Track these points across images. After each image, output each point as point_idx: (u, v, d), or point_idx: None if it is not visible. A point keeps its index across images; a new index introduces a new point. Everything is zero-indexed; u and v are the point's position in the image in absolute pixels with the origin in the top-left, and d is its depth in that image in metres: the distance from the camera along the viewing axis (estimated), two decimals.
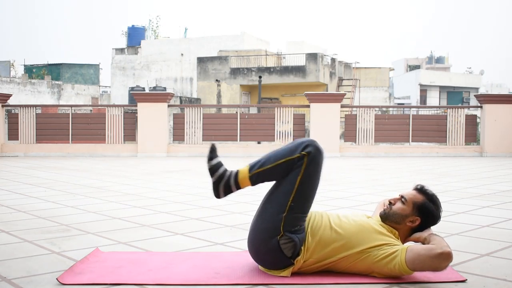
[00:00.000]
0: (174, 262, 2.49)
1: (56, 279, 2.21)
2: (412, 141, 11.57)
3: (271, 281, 2.21)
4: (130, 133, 11.68)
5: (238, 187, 2.35)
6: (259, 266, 2.36)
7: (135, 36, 35.55)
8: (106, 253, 2.67)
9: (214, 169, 2.36)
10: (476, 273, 2.32)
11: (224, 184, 2.35)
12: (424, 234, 2.32)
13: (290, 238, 2.24)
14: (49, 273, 2.34)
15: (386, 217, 2.38)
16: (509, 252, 2.72)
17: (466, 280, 2.21)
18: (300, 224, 2.27)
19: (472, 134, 11.73)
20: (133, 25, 36.71)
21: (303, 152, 2.27)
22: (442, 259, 2.11)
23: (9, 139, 11.82)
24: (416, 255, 2.16)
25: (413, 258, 2.16)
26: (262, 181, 2.36)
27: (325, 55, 27.51)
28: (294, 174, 2.28)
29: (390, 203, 2.41)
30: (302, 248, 2.27)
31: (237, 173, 2.35)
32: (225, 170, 2.37)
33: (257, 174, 2.32)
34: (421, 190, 2.40)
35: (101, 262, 2.47)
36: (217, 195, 2.39)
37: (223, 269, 2.36)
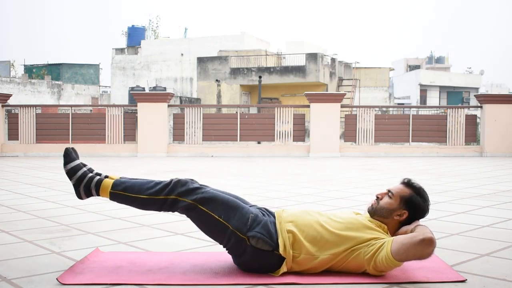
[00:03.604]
0: (174, 262, 2.49)
1: (56, 279, 2.21)
2: (412, 141, 11.57)
3: (271, 281, 2.21)
4: (130, 133, 11.68)
5: (98, 194, 2.45)
6: None
7: (135, 36, 35.54)
8: (106, 253, 2.67)
9: (71, 172, 2.47)
10: (476, 273, 2.32)
11: (84, 187, 2.45)
12: (410, 226, 2.33)
13: (253, 236, 2.25)
14: (49, 273, 2.34)
15: (374, 212, 2.39)
16: (509, 252, 2.72)
17: (466, 280, 2.21)
18: (247, 217, 2.29)
19: (472, 134, 11.73)
20: (133, 25, 36.69)
21: (172, 197, 2.33)
22: (425, 245, 2.10)
23: (9, 139, 11.82)
24: (400, 244, 2.16)
25: (397, 248, 2.16)
26: (120, 202, 2.45)
27: (325, 55, 27.53)
28: (193, 210, 2.33)
29: (377, 198, 2.41)
30: (280, 238, 2.26)
31: (100, 181, 2.43)
32: (86, 173, 2.46)
33: (116, 194, 2.42)
34: (408, 183, 2.41)
35: (101, 262, 2.47)
36: (79, 197, 2.48)
37: (223, 269, 2.36)
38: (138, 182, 2.43)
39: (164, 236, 3.17)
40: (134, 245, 2.91)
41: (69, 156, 2.49)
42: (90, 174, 2.46)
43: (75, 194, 2.49)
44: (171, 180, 2.37)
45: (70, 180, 2.48)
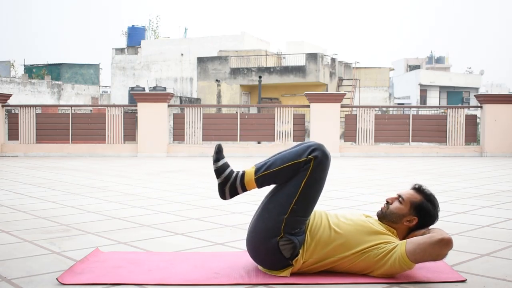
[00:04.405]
0: (174, 262, 2.49)
1: (56, 279, 2.21)
2: (412, 141, 11.57)
3: (271, 281, 2.21)
4: (130, 133, 11.67)
5: (244, 189, 2.34)
6: (259, 266, 2.36)
7: (135, 36, 35.53)
8: (106, 253, 2.67)
9: (220, 170, 2.35)
10: (476, 273, 2.32)
11: (230, 186, 2.34)
12: (421, 231, 2.32)
13: (289, 239, 2.23)
14: (49, 273, 2.34)
15: (384, 217, 2.38)
16: (509, 252, 2.72)
17: (466, 280, 2.21)
18: (300, 227, 2.27)
19: (472, 134, 11.72)
20: (133, 25, 36.69)
21: (310, 156, 2.26)
22: (443, 245, 2.11)
23: (9, 139, 11.82)
24: (416, 245, 2.16)
25: (413, 249, 2.16)
26: (268, 184, 2.35)
27: (325, 55, 27.52)
28: (299, 177, 2.26)
29: (387, 202, 2.41)
30: (301, 250, 2.26)
31: (243, 174, 2.33)
32: (232, 172, 2.35)
33: (263, 177, 2.31)
34: (418, 189, 2.40)
35: (101, 262, 2.47)
36: (223, 197, 2.38)
37: (223, 269, 2.36)
38: (277, 155, 2.36)
39: (164, 236, 3.17)
40: (134, 245, 2.91)
41: (221, 153, 2.39)
42: (235, 173, 2.36)
43: (219, 195, 2.38)
44: (313, 143, 2.30)
45: (217, 178, 2.36)
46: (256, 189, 2.36)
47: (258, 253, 2.31)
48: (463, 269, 2.37)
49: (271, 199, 2.32)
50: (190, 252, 2.74)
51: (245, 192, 2.37)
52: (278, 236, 2.24)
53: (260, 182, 2.32)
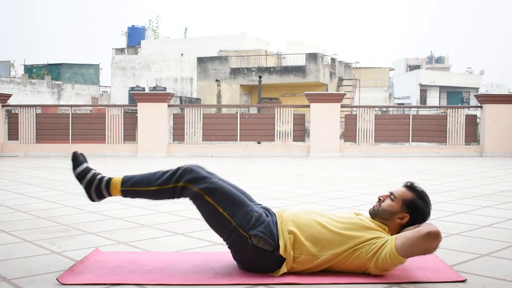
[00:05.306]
0: (174, 262, 2.49)
1: (56, 279, 2.21)
2: (412, 141, 11.56)
3: (271, 281, 2.21)
4: (130, 133, 11.67)
5: (110, 194, 2.45)
6: None
7: (135, 36, 35.55)
8: (106, 253, 2.67)
9: (81, 175, 2.47)
10: (476, 273, 2.32)
11: (95, 188, 2.45)
12: (411, 227, 2.32)
13: (255, 235, 2.24)
14: (49, 273, 2.34)
15: (375, 214, 2.39)
16: (509, 252, 2.72)
17: (466, 280, 2.21)
18: (251, 216, 2.28)
19: (472, 134, 11.72)
20: (133, 25, 36.70)
21: (180, 184, 2.32)
22: (431, 238, 2.10)
23: (9, 139, 11.81)
24: (405, 239, 2.16)
25: (402, 243, 2.16)
26: (133, 197, 2.46)
27: (325, 55, 27.54)
28: (199, 199, 2.31)
29: (379, 199, 2.42)
30: (283, 239, 2.26)
31: (109, 181, 2.44)
32: (95, 175, 2.47)
33: (127, 191, 2.43)
34: (410, 187, 2.40)
35: (101, 262, 2.47)
36: (91, 199, 2.48)
37: (223, 269, 2.36)
38: (146, 175, 2.43)
39: (164, 236, 3.17)
40: (134, 245, 2.91)
41: (77, 160, 2.50)
42: (99, 176, 2.46)
43: (87, 198, 2.48)
44: (179, 168, 2.36)
45: (81, 183, 2.47)
46: (121, 197, 2.46)
47: (249, 263, 2.31)
48: (463, 269, 2.37)
49: (213, 228, 2.37)
50: (190, 252, 2.74)
51: (111, 197, 2.47)
52: (247, 239, 2.26)
53: (124, 193, 2.43)
